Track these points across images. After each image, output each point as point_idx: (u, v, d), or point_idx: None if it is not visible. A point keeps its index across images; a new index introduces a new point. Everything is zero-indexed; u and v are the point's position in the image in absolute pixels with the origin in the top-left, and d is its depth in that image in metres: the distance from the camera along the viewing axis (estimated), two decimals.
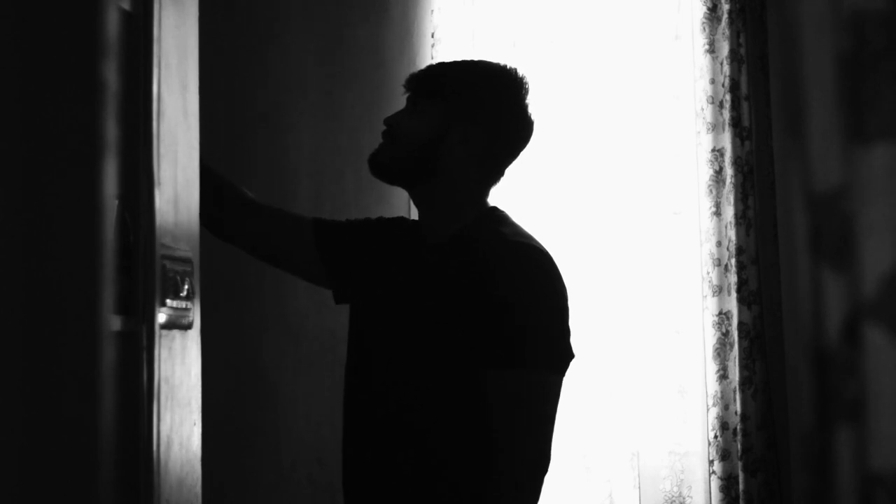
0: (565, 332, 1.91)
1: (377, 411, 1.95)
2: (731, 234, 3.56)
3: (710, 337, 3.57)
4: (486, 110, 1.97)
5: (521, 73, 2.01)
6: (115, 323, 1.27)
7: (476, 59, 2.11)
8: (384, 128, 2.01)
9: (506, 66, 2.02)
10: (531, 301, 1.87)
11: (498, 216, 2.00)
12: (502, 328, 1.84)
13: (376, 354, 1.98)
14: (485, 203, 2.01)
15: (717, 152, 3.61)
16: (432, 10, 3.72)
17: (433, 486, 1.89)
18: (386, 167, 2.00)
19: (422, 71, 2.07)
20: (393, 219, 2.14)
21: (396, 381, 1.93)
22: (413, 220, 2.13)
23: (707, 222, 3.60)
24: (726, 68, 3.60)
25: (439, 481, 1.89)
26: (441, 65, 2.12)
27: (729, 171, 3.58)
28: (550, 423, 1.88)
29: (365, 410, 1.98)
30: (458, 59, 2.14)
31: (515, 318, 1.85)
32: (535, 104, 2.02)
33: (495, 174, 2.02)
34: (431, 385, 1.89)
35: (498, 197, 2.07)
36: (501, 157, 2.01)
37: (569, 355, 1.90)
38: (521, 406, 1.85)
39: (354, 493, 1.98)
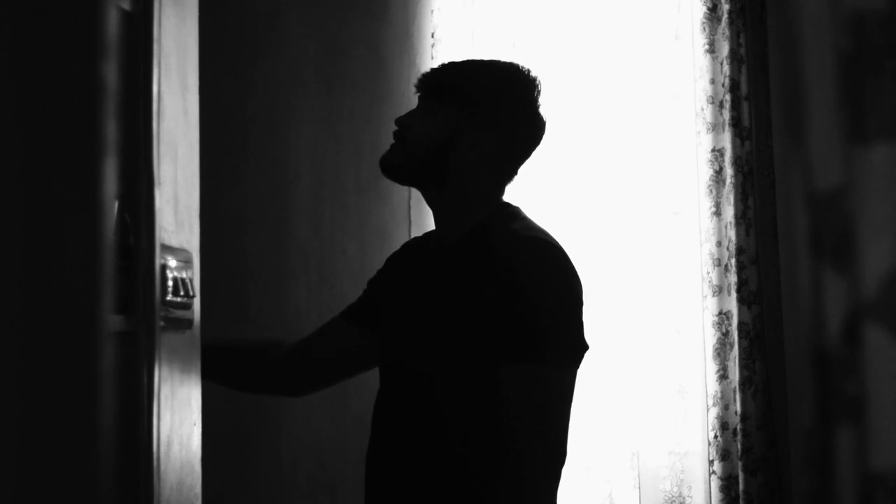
0: (579, 325, 1.91)
1: (399, 410, 1.95)
2: (731, 234, 3.56)
3: (710, 337, 3.57)
4: (499, 116, 1.96)
5: (533, 73, 2.00)
6: (115, 323, 1.27)
7: (489, 59, 2.08)
8: (395, 128, 2.00)
9: (518, 66, 2.01)
10: (545, 296, 1.87)
11: (510, 212, 2.00)
12: (517, 323, 1.84)
13: (397, 356, 1.99)
14: (498, 200, 2.02)
15: (717, 152, 3.61)
16: (432, 10, 3.72)
17: (453, 482, 1.88)
18: (397, 169, 2.00)
19: (435, 72, 2.04)
20: (399, 248, 2.17)
21: (415, 379, 1.93)
22: (424, 234, 2.15)
23: (707, 222, 3.60)
24: (726, 68, 3.60)
25: (458, 477, 1.88)
26: (454, 67, 2.06)
27: (729, 171, 3.58)
28: (566, 416, 1.89)
29: (388, 409, 1.98)
30: (472, 59, 2.11)
31: (530, 313, 1.85)
32: (547, 103, 2.02)
33: (508, 174, 2.02)
34: (449, 381, 1.89)
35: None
36: (514, 158, 2.01)
37: (583, 347, 1.91)
38: (536, 400, 1.85)
39: (375, 489, 1.98)
